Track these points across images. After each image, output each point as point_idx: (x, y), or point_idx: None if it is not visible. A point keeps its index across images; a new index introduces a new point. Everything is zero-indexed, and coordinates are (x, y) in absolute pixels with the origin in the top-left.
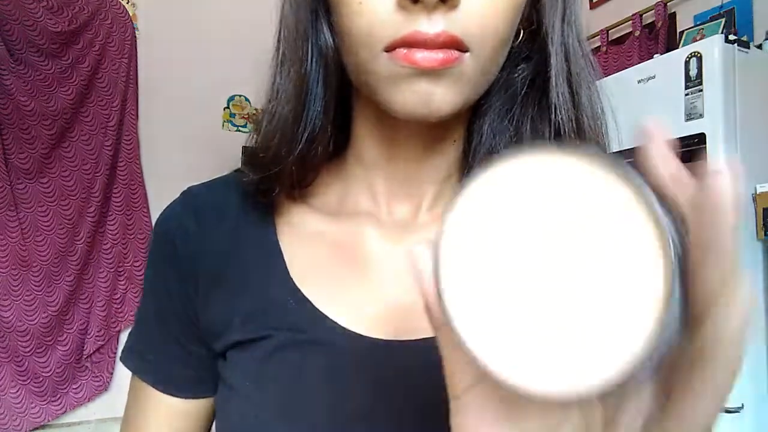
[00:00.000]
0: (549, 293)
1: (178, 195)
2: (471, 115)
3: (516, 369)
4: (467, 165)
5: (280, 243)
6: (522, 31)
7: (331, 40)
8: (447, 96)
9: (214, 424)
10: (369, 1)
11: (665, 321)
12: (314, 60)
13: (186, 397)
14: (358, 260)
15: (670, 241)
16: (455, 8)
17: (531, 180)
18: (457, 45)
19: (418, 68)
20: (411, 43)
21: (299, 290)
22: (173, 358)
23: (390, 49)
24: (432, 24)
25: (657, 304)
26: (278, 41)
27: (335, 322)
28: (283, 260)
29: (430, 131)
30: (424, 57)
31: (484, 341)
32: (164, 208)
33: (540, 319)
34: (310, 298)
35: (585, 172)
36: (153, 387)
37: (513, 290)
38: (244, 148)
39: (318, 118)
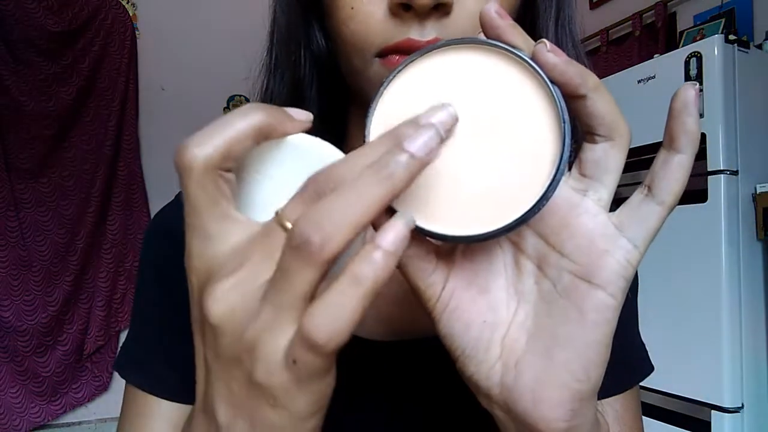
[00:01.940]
0: (467, 156)
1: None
2: None
3: (448, 221)
4: None
5: None
6: None
7: (324, 44)
8: None
9: None
10: (361, 7)
11: (563, 169)
12: (308, 65)
13: (183, 402)
14: None
15: (558, 93)
16: (448, 15)
17: (447, 68)
18: None
19: None
20: (404, 49)
21: None
22: (167, 361)
23: (382, 54)
24: (424, 31)
25: (555, 158)
26: (270, 45)
27: None
28: None
29: None
30: None
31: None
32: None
33: (464, 173)
34: None
35: (488, 58)
36: (149, 393)
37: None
38: None
39: (313, 122)
